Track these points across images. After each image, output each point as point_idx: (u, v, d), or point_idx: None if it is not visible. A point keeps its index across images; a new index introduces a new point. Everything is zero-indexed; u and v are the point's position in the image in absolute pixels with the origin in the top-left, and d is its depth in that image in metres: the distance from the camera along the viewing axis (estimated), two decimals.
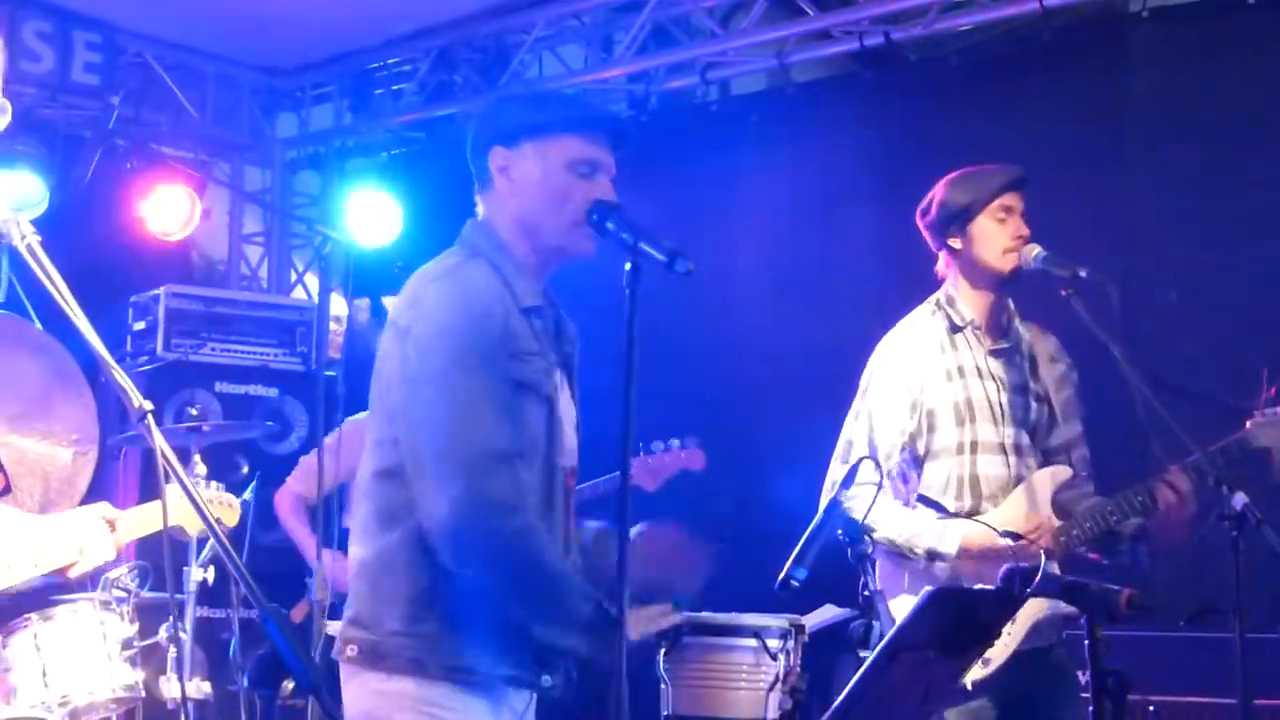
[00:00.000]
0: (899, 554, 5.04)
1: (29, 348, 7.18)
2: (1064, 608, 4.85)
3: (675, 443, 6.91)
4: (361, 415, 6.10)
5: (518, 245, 3.84)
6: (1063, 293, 4.97)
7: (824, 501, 5.09)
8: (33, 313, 7.12)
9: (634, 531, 3.83)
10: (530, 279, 3.82)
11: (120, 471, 7.78)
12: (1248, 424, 5.09)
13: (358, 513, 3.80)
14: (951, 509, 5.07)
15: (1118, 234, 7.08)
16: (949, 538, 4.99)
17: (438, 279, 3.76)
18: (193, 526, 5.72)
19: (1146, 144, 7.23)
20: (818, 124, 8.32)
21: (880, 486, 4.62)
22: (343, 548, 5.31)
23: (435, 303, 3.69)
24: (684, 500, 6.88)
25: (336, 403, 7.39)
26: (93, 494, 7.16)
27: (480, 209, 3.93)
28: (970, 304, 5.24)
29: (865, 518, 4.70)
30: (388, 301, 4.84)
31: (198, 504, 3.11)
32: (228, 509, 6.01)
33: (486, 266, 3.78)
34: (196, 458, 6.48)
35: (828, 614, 6.29)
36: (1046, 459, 5.23)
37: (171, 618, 6.32)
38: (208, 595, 6.91)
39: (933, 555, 5.00)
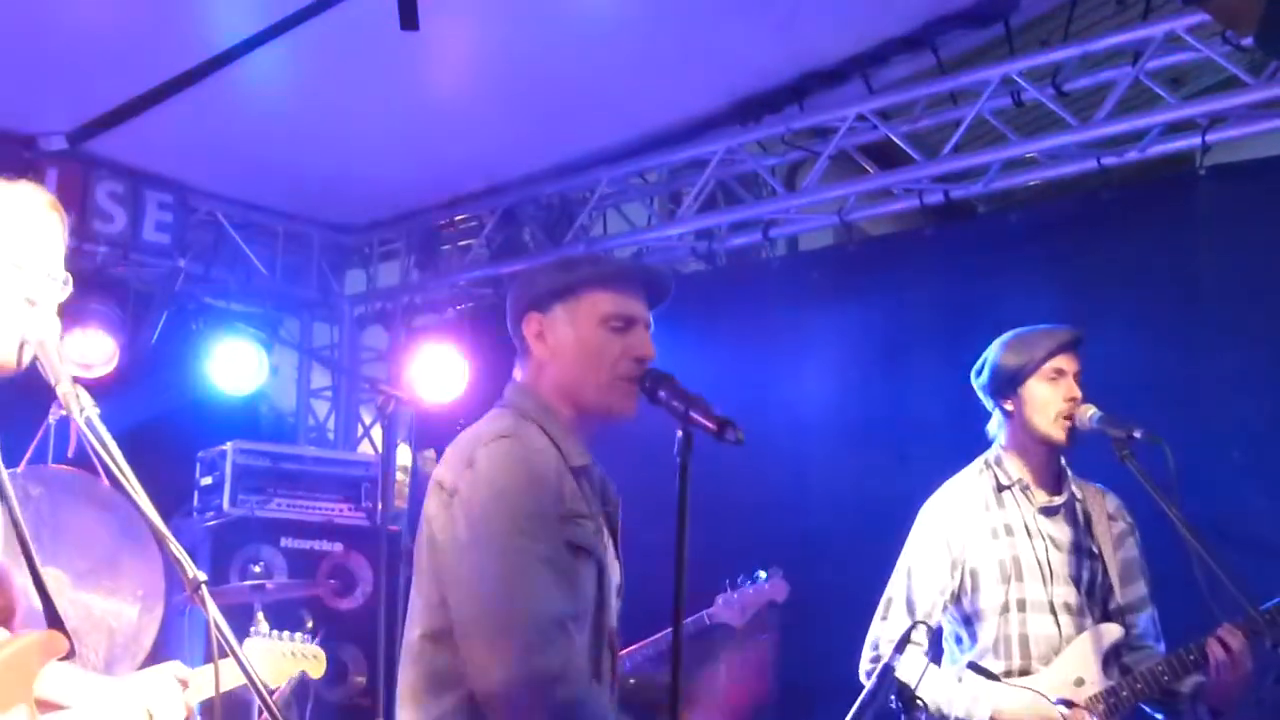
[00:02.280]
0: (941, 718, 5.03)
1: (97, 504, 7.23)
2: None
3: (761, 575, 6.94)
4: None
5: (561, 408, 3.86)
6: (1118, 454, 4.97)
7: (864, 659, 5.12)
8: (101, 470, 7.17)
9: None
10: (576, 440, 3.84)
11: (185, 629, 7.80)
12: None
13: (406, 675, 3.78)
14: (1001, 669, 5.07)
15: (1181, 390, 7.05)
16: (981, 705, 4.97)
17: (493, 440, 3.76)
18: (279, 678, 5.69)
19: (1208, 300, 7.21)
20: (882, 278, 8.35)
21: (930, 652, 4.61)
22: None
23: (491, 465, 3.70)
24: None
25: (400, 557, 7.40)
26: (157, 651, 7.17)
27: (518, 374, 3.96)
28: (1021, 463, 5.26)
29: (915, 684, 4.69)
30: None
31: (250, 677, 3.11)
32: (313, 661, 5.94)
33: (536, 428, 3.80)
34: (259, 615, 6.48)
35: None
36: (1109, 621, 5.20)
37: None
38: None
39: None
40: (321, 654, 6.07)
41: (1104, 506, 5.31)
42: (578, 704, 3.55)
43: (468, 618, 3.61)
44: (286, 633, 5.99)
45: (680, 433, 3.56)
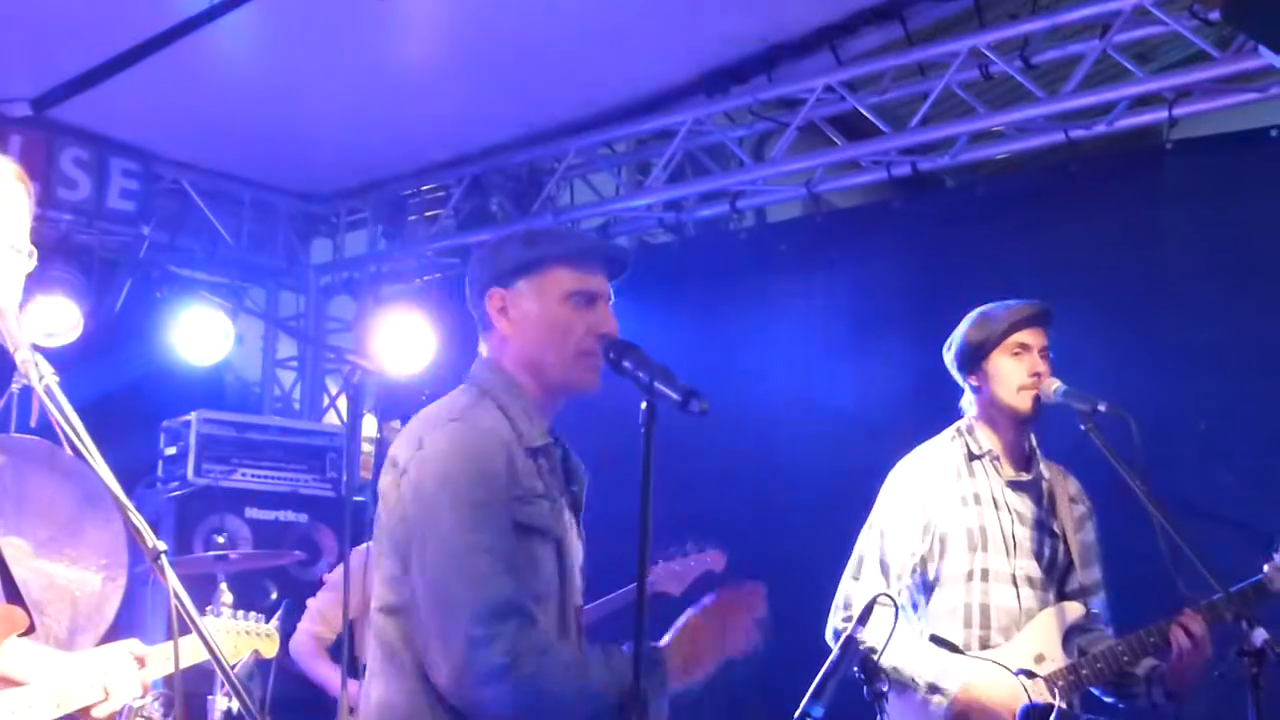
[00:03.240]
0: (902, 684, 5.03)
1: (60, 472, 7.16)
2: None
3: (693, 547, 6.91)
4: (363, 546, 5.96)
5: (524, 383, 3.84)
6: (1083, 427, 4.97)
7: (834, 618, 5.12)
8: (63, 437, 7.12)
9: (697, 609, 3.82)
10: (538, 418, 3.82)
11: (149, 598, 7.76)
12: (1266, 568, 5.06)
13: (371, 649, 3.76)
14: (962, 638, 5.07)
15: (1148, 363, 7.06)
16: (952, 676, 4.97)
17: (442, 424, 3.73)
18: (232, 656, 5.69)
19: (1174, 273, 7.23)
20: (849, 250, 8.35)
21: (896, 621, 4.60)
22: None
23: (437, 449, 3.66)
24: None
25: (365, 528, 7.36)
26: (121, 620, 7.13)
27: (483, 349, 3.94)
28: (990, 436, 5.26)
29: (879, 651, 4.69)
30: None
31: (210, 647, 3.09)
32: (266, 639, 5.95)
33: (493, 408, 3.77)
34: (223, 586, 6.46)
35: None
36: (1065, 600, 5.22)
37: None
38: None
39: (933, 689, 4.99)
40: (275, 632, 6.06)
41: (1066, 488, 5.33)
42: (533, 678, 3.49)
43: (419, 610, 3.59)
44: (241, 611, 5.98)
45: (644, 403, 3.55)
